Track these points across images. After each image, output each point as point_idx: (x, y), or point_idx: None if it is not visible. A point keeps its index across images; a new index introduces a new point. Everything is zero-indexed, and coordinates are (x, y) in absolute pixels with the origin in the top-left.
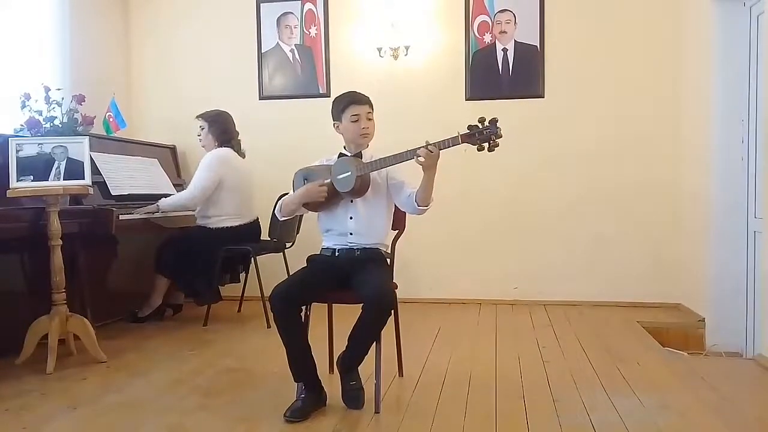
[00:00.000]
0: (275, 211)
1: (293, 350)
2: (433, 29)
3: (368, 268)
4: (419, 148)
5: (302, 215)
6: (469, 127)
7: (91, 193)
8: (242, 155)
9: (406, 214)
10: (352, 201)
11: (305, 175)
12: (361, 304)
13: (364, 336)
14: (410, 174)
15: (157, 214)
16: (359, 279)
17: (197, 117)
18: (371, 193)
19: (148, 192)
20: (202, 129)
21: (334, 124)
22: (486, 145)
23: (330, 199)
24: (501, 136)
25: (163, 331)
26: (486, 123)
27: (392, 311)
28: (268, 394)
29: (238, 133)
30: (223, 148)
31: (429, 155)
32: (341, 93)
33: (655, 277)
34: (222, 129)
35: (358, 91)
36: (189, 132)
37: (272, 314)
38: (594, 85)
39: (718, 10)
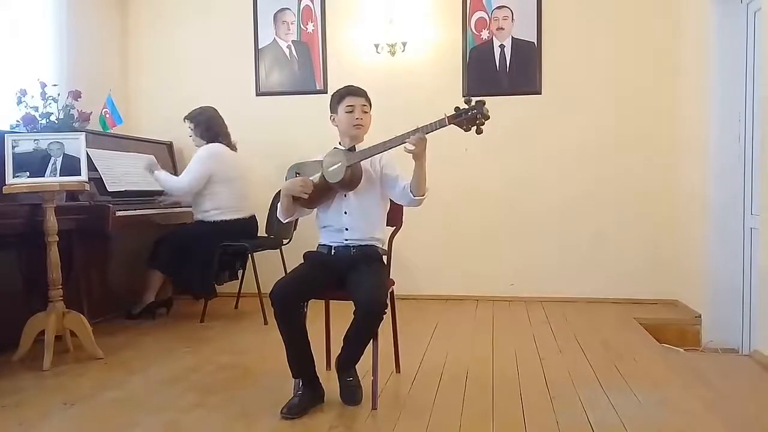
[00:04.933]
0: (278, 215)
1: (293, 346)
2: (431, 25)
3: (362, 269)
4: (408, 133)
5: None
6: (456, 108)
7: (87, 189)
8: (233, 149)
9: (403, 209)
10: (345, 195)
11: (297, 169)
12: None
13: (358, 338)
14: (402, 167)
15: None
16: (353, 280)
17: (184, 119)
18: (365, 187)
19: (145, 188)
20: (191, 129)
21: (330, 116)
22: (473, 127)
23: (324, 194)
24: (488, 117)
25: (159, 328)
26: (472, 103)
27: (384, 315)
28: (265, 390)
29: (226, 127)
30: (215, 144)
31: (418, 141)
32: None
33: (652, 274)
34: (205, 126)
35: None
36: (185, 128)
37: (273, 310)
38: (591, 82)
39: (715, 7)
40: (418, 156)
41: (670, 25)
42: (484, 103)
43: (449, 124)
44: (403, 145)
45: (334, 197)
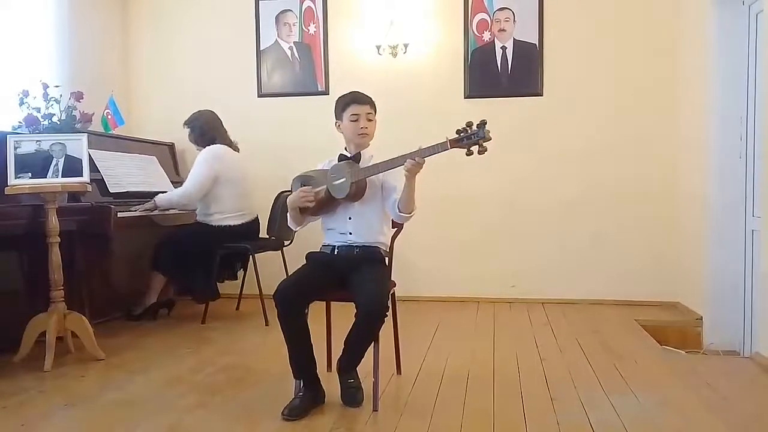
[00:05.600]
0: (288, 223)
1: (296, 348)
2: (432, 27)
3: (364, 270)
4: (410, 154)
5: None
6: (458, 131)
7: (89, 190)
8: (235, 149)
9: None
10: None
11: (302, 181)
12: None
13: (360, 341)
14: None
15: (155, 212)
16: (355, 282)
17: (183, 124)
18: (369, 195)
19: (147, 189)
20: (188, 134)
21: (335, 123)
22: (475, 149)
23: (330, 203)
24: (490, 140)
25: (161, 329)
26: (474, 127)
27: (385, 318)
28: (266, 392)
29: (224, 130)
30: (216, 145)
31: (414, 167)
32: (345, 92)
33: (653, 276)
34: (199, 131)
35: (360, 91)
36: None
37: (276, 311)
38: (593, 84)
39: (716, 9)
40: (411, 177)
41: (671, 27)
42: (486, 124)
43: (451, 147)
44: (403, 165)
45: (339, 204)
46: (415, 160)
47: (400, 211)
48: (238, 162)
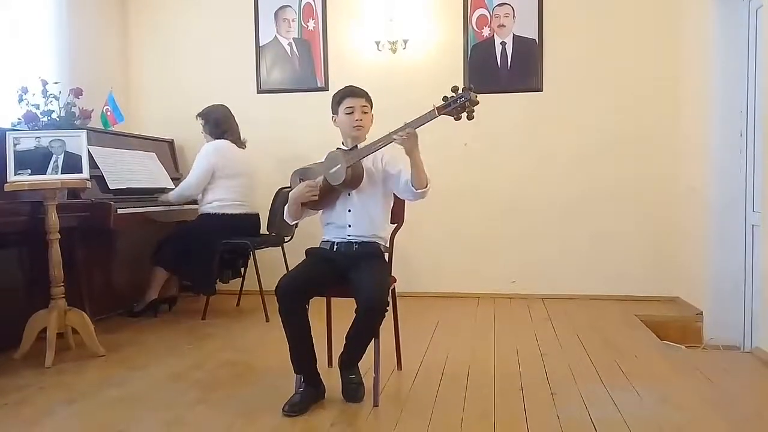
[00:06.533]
0: (285, 217)
1: (296, 344)
2: (432, 23)
3: (364, 266)
4: (398, 129)
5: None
6: (444, 98)
7: (89, 186)
8: (241, 146)
9: (404, 206)
10: (349, 194)
11: (301, 175)
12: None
13: (360, 337)
14: (405, 163)
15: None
16: (355, 278)
17: (196, 116)
18: (367, 186)
19: (146, 186)
20: (201, 126)
21: (332, 118)
22: (464, 114)
23: (328, 195)
24: (477, 102)
25: (161, 325)
26: (459, 91)
27: (385, 312)
28: (267, 387)
29: (236, 125)
30: (219, 140)
31: (407, 138)
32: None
33: (654, 271)
34: (213, 123)
35: (356, 85)
36: (187, 126)
37: (278, 306)
38: (593, 79)
39: (717, 4)
40: (410, 151)
41: (671, 23)
42: (472, 89)
43: (439, 115)
44: (393, 141)
45: (338, 197)
46: (406, 132)
47: (415, 189)
48: (241, 158)
